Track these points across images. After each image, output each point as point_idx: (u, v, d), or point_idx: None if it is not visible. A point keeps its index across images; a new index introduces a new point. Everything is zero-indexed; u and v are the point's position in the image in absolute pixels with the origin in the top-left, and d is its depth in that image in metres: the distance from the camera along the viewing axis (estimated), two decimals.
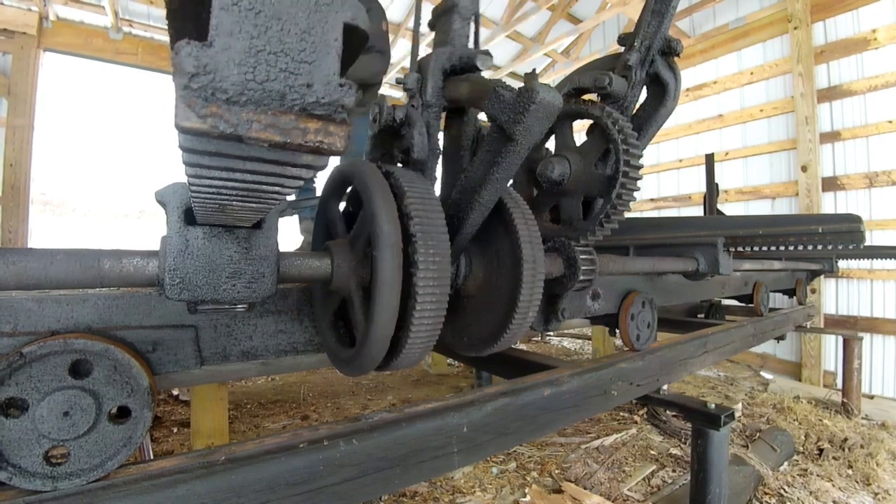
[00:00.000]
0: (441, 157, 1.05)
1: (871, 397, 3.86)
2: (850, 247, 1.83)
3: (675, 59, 1.35)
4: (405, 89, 0.98)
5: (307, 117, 0.33)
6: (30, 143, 4.52)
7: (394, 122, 0.94)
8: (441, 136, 1.06)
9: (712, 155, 3.86)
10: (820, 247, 1.89)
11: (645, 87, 1.38)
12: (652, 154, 6.03)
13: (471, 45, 1.08)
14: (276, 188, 0.40)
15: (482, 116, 1.00)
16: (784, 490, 2.26)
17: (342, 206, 1.03)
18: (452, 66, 0.96)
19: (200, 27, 0.30)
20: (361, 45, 0.37)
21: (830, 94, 4.32)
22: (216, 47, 0.29)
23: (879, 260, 3.88)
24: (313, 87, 0.32)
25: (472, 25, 1.07)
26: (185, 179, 0.43)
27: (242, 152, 0.33)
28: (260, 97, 0.31)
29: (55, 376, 0.64)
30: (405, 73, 0.97)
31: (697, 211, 5.38)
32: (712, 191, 3.71)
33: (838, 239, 1.86)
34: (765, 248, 2.00)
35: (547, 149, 1.45)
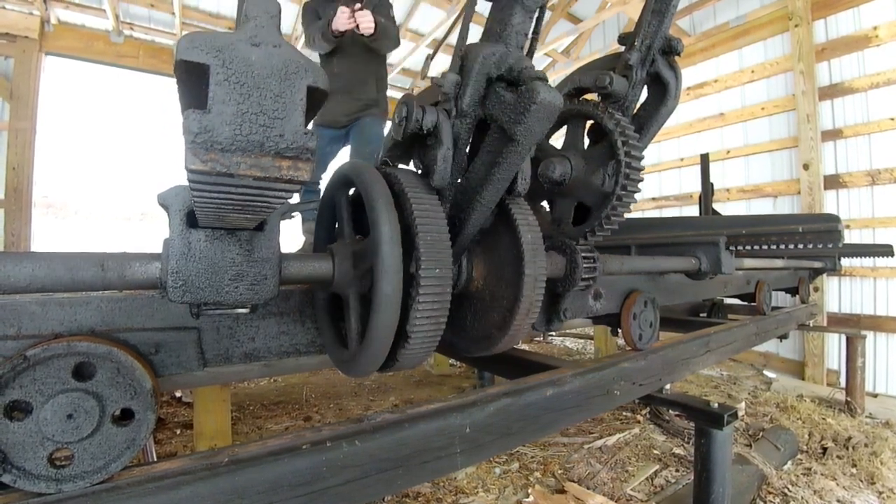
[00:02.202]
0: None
1: (875, 396, 3.85)
2: (829, 245, 1.86)
3: (676, 58, 1.35)
4: (441, 92, 0.84)
5: (281, 158, 0.43)
6: (32, 145, 4.54)
7: (420, 129, 0.82)
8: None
9: (707, 155, 3.87)
10: (801, 245, 1.93)
11: (646, 87, 1.37)
12: (653, 153, 6.02)
13: (525, 50, 0.91)
14: (264, 204, 0.50)
15: None
16: (788, 489, 2.25)
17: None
18: (500, 75, 0.81)
19: (202, 97, 0.41)
20: (322, 100, 0.48)
21: (832, 91, 4.31)
22: (213, 113, 0.40)
23: (882, 258, 3.88)
24: (285, 136, 0.43)
25: (533, 25, 0.89)
26: (185, 182, 0.50)
27: (234, 182, 0.43)
28: (245, 146, 0.42)
29: (59, 379, 0.64)
30: (442, 73, 0.85)
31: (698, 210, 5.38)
32: (707, 191, 3.72)
33: (817, 238, 1.90)
34: (748, 248, 2.04)
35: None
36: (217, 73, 0.41)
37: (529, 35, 0.88)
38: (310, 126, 0.47)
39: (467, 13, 0.90)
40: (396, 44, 3.08)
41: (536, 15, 0.88)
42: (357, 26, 2.72)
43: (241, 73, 0.42)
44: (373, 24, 2.71)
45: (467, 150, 0.90)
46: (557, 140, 1.46)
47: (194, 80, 0.42)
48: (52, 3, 4.68)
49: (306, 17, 3.10)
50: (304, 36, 3.10)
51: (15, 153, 4.43)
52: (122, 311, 0.81)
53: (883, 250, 3.47)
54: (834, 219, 1.93)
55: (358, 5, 2.73)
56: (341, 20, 2.70)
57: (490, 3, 0.86)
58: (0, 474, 0.59)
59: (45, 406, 0.62)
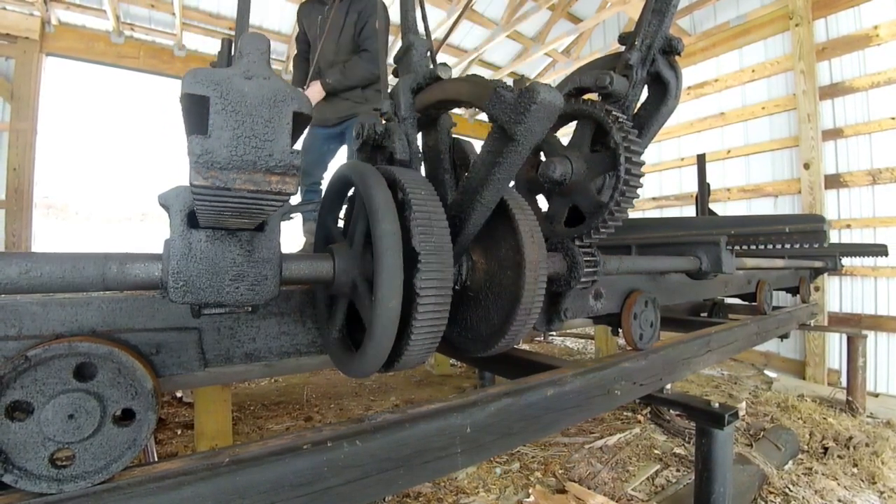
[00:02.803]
0: (423, 162, 1.13)
1: (876, 395, 3.84)
2: (815, 245, 1.91)
3: (677, 57, 1.35)
4: (381, 115, 1.10)
5: (271, 174, 0.50)
6: (33, 146, 4.54)
7: (375, 134, 1.05)
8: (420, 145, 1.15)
9: (703, 156, 3.88)
10: (787, 245, 1.98)
11: (646, 86, 1.37)
12: (654, 153, 6.02)
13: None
14: (258, 211, 0.57)
15: (487, 116, 1.03)
16: (789, 489, 2.25)
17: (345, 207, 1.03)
18: (419, 84, 1.09)
19: (204, 124, 0.48)
20: (305, 123, 0.55)
21: (832, 91, 4.31)
22: (213, 137, 0.48)
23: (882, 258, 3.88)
24: (274, 156, 0.50)
25: (429, 56, 1.19)
26: (186, 182, 0.56)
27: (231, 195, 0.50)
28: (240, 164, 0.49)
29: (60, 379, 0.64)
30: (381, 103, 1.11)
31: None
32: (703, 191, 3.73)
33: (803, 238, 1.94)
34: (737, 248, 2.06)
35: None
36: (216, 104, 0.48)
37: (430, 62, 1.18)
38: (296, 146, 0.53)
39: (384, 79, 1.23)
40: (368, 73, 3.02)
41: (430, 53, 1.19)
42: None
43: (236, 102, 0.49)
44: (314, 98, 2.99)
45: (418, 142, 1.11)
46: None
47: (197, 110, 0.49)
48: (53, 4, 4.68)
49: (296, 30, 3.24)
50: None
51: (16, 154, 4.43)
52: (123, 312, 0.81)
53: (877, 250, 3.48)
54: (819, 219, 2.00)
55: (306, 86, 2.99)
56: None
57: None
58: (1, 474, 0.59)
59: (46, 406, 0.63)
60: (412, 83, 1.09)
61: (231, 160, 0.48)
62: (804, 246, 2.03)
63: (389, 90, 1.15)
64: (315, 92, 2.94)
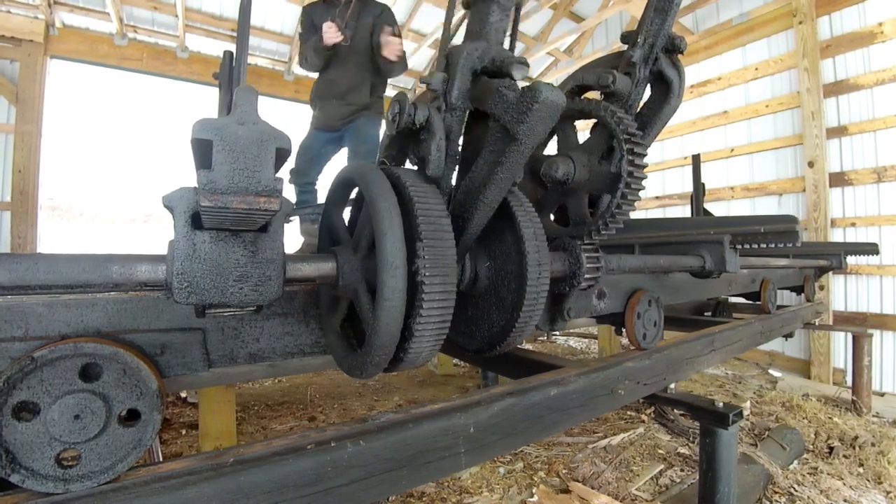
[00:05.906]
0: (459, 160, 0.98)
1: (882, 395, 3.82)
2: (789, 245, 1.97)
3: (679, 56, 1.34)
4: (430, 89, 0.90)
5: (259, 196, 0.62)
6: (38, 149, 4.57)
7: (413, 125, 0.87)
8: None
9: (698, 156, 3.86)
10: (763, 245, 2.05)
11: (649, 85, 1.37)
12: (656, 152, 6.00)
13: (506, 44, 0.97)
14: (251, 221, 0.67)
15: None
16: (794, 489, 2.24)
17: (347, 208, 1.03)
18: (484, 68, 0.87)
19: (208, 160, 0.61)
20: (285, 157, 0.68)
21: (837, 88, 4.28)
22: (215, 171, 0.61)
23: (892, 257, 3.86)
24: (261, 182, 0.63)
25: (511, 21, 0.95)
26: (189, 184, 0.67)
27: (230, 211, 0.61)
28: (236, 189, 0.61)
29: (66, 380, 0.65)
30: (430, 72, 0.91)
31: None
32: (699, 191, 3.72)
33: (777, 238, 2.00)
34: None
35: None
36: (217, 145, 0.60)
37: (508, 31, 0.95)
38: (278, 175, 0.66)
39: (449, 14, 0.96)
40: (405, 68, 3.19)
41: (513, 12, 0.94)
42: (341, 40, 2.91)
43: (232, 144, 0.61)
44: (398, 54, 2.96)
45: (460, 142, 0.95)
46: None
47: (203, 150, 0.62)
48: (57, 6, 4.71)
49: (304, 28, 3.22)
50: (297, 56, 3.17)
51: (21, 156, 4.46)
52: (128, 313, 0.81)
53: (868, 249, 3.47)
54: (792, 220, 2.09)
55: (389, 28, 2.95)
56: (329, 35, 2.89)
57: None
58: (9, 474, 0.60)
59: (52, 407, 0.63)
60: (477, 62, 0.87)
61: (229, 187, 0.61)
62: (778, 246, 2.09)
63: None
64: (396, 49, 2.93)
